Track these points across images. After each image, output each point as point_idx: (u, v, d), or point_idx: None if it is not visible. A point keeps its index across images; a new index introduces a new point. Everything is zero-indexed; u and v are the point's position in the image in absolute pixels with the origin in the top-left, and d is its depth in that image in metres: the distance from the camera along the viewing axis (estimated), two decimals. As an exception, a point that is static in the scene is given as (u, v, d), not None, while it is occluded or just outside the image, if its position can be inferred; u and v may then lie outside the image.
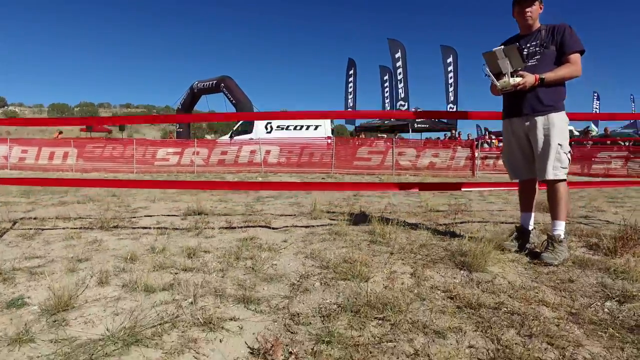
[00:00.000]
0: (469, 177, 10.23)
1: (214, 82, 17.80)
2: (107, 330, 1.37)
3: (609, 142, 12.82)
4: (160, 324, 1.41)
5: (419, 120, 15.98)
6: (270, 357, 1.18)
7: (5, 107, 45.42)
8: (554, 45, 2.35)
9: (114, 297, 1.68)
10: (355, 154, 11.88)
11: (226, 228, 3.10)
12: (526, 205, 2.61)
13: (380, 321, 1.46)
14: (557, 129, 2.30)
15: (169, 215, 3.66)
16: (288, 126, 14.18)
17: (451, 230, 3.00)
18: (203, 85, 18.46)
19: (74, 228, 3.03)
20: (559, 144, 2.28)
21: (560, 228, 2.32)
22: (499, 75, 2.39)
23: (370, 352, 1.24)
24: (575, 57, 2.30)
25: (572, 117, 3.09)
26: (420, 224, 3.23)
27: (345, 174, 10.74)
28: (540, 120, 2.33)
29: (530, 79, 2.27)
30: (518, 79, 2.30)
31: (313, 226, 3.16)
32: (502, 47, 2.36)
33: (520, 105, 2.39)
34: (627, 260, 2.19)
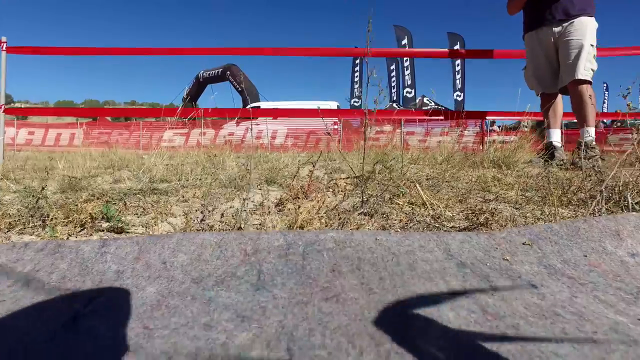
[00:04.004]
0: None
1: (220, 70, 17.74)
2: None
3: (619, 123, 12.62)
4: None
5: (426, 107, 15.86)
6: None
7: (12, 104, 45.81)
8: None
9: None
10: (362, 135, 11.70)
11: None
12: (552, 121, 2.53)
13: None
14: (590, 30, 2.22)
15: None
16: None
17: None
18: (209, 74, 18.38)
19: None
20: (591, 45, 2.21)
21: (591, 133, 2.23)
22: None
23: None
24: None
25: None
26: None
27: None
28: (573, 23, 2.25)
29: None
30: None
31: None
32: None
33: (552, 12, 2.31)
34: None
